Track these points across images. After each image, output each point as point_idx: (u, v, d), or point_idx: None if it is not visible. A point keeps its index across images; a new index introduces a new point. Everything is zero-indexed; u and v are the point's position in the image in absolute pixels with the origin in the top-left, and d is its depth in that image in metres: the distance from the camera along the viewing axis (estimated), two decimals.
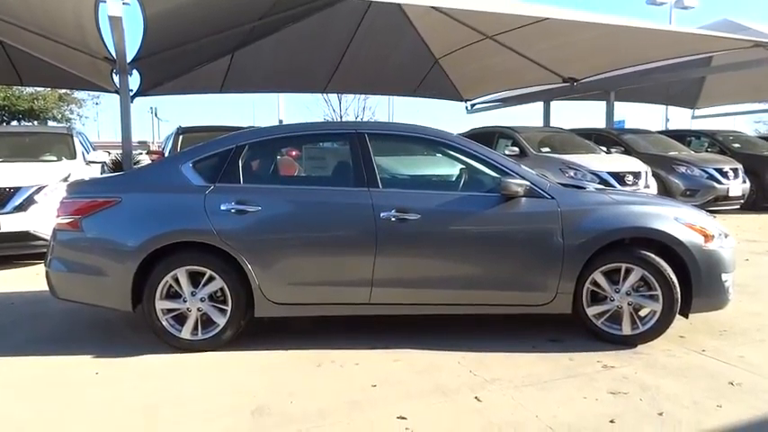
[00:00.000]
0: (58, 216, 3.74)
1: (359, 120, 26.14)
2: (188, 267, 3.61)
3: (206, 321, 3.67)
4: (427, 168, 4.78)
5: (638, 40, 11.20)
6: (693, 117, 21.19)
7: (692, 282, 3.62)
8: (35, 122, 20.81)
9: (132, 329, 4.08)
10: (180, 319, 3.67)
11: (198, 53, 12.03)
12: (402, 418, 2.75)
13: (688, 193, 9.64)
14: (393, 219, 3.58)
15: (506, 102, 16.68)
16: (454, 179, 3.96)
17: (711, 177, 9.68)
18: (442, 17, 12.00)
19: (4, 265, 6.48)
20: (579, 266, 3.63)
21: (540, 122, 16.20)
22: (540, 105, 16.35)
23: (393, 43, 13.89)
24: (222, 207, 3.60)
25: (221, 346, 3.66)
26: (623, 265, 3.65)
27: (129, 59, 9.64)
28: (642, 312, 3.72)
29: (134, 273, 3.58)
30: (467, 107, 18.00)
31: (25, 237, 6.21)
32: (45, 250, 6.21)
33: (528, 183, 3.65)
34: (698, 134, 12.78)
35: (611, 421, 2.72)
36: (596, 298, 3.75)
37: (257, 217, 3.59)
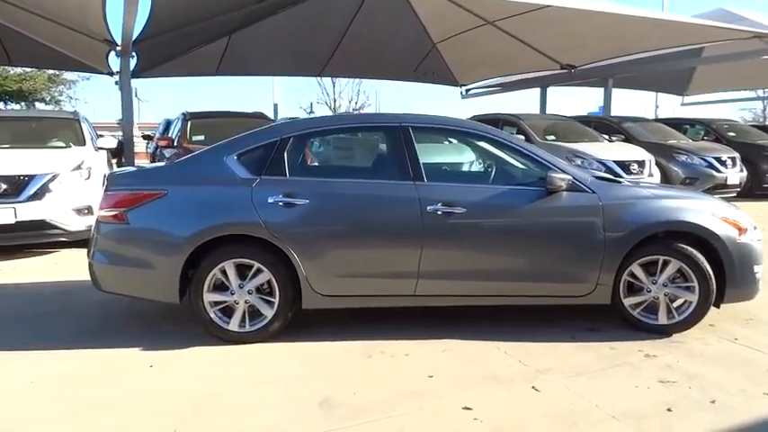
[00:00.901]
0: (101, 208, 3.72)
1: (353, 104, 26.09)
2: (236, 260, 3.64)
3: (253, 313, 3.71)
4: (440, 156, 4.83)
5: (639, 29, 11.29)
6: (683, 104, 21.45)
7: (725, 273, 3.74)
8: (23, 104, 20.36)
9: (171, 321, 4.09)
10: (227, 311, 3.70)
11: (196, 35, 11.89)
12: (467, 409, 2.83)
13: (688, 181, 9.83)
14: (439, 212, 3.64)
15: (503, 87, 16.71)
16: (496, 172, 4.02)
17: (710, 166, 9.87)
18: (443, 1, 11.97)
19: (17, 254, 6.41)
20: (619, 259, 3.73)
21: (532, 109, 16.33)
22: (529, 92, 16.46)
23: (392, 27, 13.82)
24: (270, 200, 3.62)
25: (268, 337, 3.71)
26: (661, 258, 3.76)
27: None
28: (677, 303, 3.84)
29: (182, 265, 3.60)
30: (462, 92, 18.01)
31: (41, 226, 6.14)
32: (62, 239, 6.29)
33: (570, 177, 3.72)
34: (693, 122, 12.98)
35: (669, 410, 2.83)
36: (632, 289, 3.86)
37: (305, 210, 3.62)
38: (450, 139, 4.07)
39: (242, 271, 3.66)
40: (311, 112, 24.99)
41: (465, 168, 3.92)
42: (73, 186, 6.34)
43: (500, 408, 2.85)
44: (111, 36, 9.69)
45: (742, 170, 10.20)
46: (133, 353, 3.58)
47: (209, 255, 3.61)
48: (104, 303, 4.58)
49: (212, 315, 3.68)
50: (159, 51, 11.38)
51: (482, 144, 3.99)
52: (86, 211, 6.37)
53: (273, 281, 3.65)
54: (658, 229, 3.72)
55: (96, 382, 3.18)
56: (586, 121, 11.62)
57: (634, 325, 3.86)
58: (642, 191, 3.88)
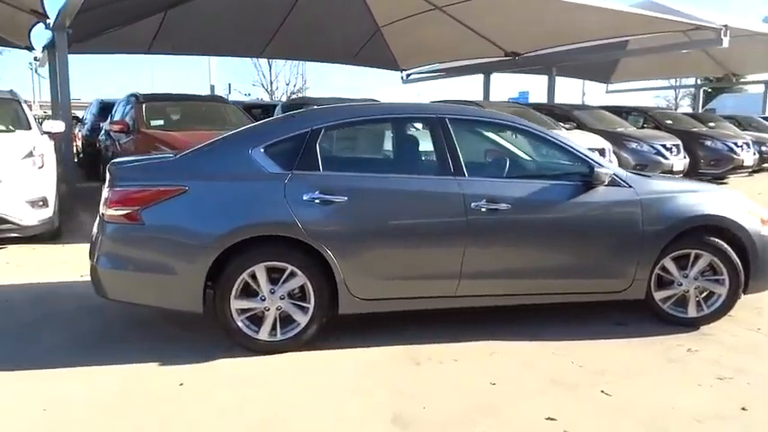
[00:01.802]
0: (110, 206, 3.26)
1: (291, 87, 25.21)
2: (267, 263, 3.31)
3: (284, 320, 3.40)
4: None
5: (583, 18, 11.55)
6: (607, 92, 22.42)
7: (750, 265, 3.82)
8: None
9: (178, 330, 3.69)
10: (254, 318, 3.37)
11: (129, 10, 11.01)
12: (551, 419, 2.71)
13: (638, 167, 10.20)
14: (483, 209, 3.47)
15: (446, 73, 16.72)
16: (535, 167, 3.90)
17: (659, 153, 10.30)
18: None
19: None
20: (656, 253, 3.72)
21: (473, 95, 16.47)
22: (469, 78, 16.58)
23: (337, 9, 13.42)
24: (305, 197, 3.30)
25: (301, 345, 3.41)
26: (693, 251, 3.78)
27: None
28: (704, 295, 3.88)
29: (207, 270, 3.23)
30: (402, 77, 17.89)
31: None
32: (13, 235, 5.59)
33: (612, 171, 3.66)
34: (631, 110, 13.52)
35: (743, 408, 2.83)
36: (661, 282, 3.87)
37: (343, 207, 3.33)
38: (486, 132, 3.88)
39: (271, 275, 3.34)
40: (248, 94, 24.08)
41: (503, 163, 3.76)
42: (25, 176, 5.64)
43: (585, 416, 2.74)
44: (44, 7, 8.75)
45: (685, 157, 10.72)
46: (153, 369, 3.18)
47: (237, 258, 3.26)
48: (92, 310, 4.10)
49: (240, 324, 3.33)
50: (88, 26, 10.43)
51: (520, 137, 3.85)
52: (41, 204, 5.71)
53: (308, 285, 3.35)
54: (694, 224, 3.73)
55: (129, 408, 2.78)
56: (536, 108, 11.78)
57: (663, 318, 3.88)
58: (674, 185, 3.89)
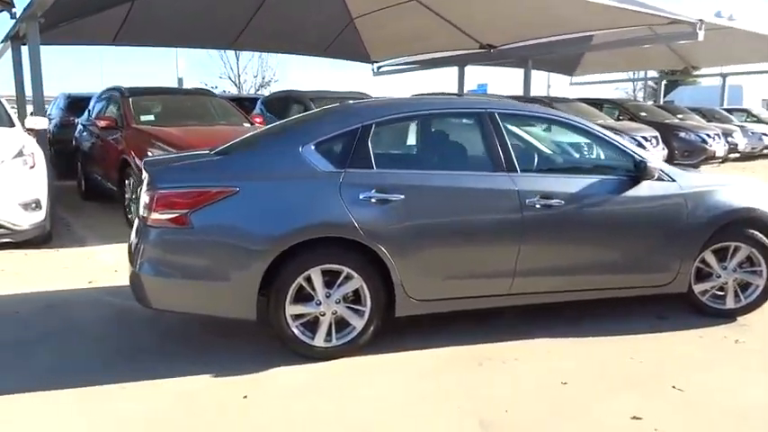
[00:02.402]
0: (154, 210, 3.04)
1: (260, 80, 24.63)
2: (324, 266, 3.16)
3: (339, 325, 3.26)
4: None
5: (560, 10, 11.66)
6: (571, 84, 22.81)
7: None
8: None
9: (226, 339, 3.50)
10: (308, 324, 3.22)
11: None
12: (637, 419, 2.67)
13: None
14: (537, 205, 3.41)
15: (418, 65, 16.64)
16: (584, 162, 3.86)
17: (640, 145, 10.49)
18: None
19: None
20: (699, 246, 3.74)
21: (447, 87, 16.45)
22: (440, 71, 16.55)
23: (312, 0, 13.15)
24: (361, 196, 3.17)
25: (357, 350, 3.29)
26: (733, 244, 3.83)
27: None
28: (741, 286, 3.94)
29: (262, 275, 3.06)
30: (373, 69, 17.71)
31: None
32: (6, 240, 5.23)
33: (659, 166, 3.66)
34: (605, 102, 13.77)
35: None
36: (700, 275, 3.91)
37: (400, 206, 3.21)
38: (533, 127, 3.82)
39: (326, 278, 3.20)
40: (214, 87, 23.27)
41: (552, 158, 3.72)
42: (16, 177, 5.27)
43: (668, 413, 2.72)
44: None
45: (664, 148, 10.99)
46: (207, 382, 3.00)
47: (291, 262, 3.10)
48: (114, 319, 3.89)
49: (295, 330, 3.18)
50: (54, 16, 9.87)
51: (566, 132, 3.80)
52: (34, 206, 5.36)
53: (364, 287, 3.22)
54: (735, 216, 3.77)
55: (196, 426, 2.61)
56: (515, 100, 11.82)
57: (701, 310, 3.93)
58: (712, 178, 3.92)
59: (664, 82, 22.25)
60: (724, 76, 20.50)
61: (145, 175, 3.28)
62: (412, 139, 3.80)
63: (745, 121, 16.53)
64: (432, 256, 3.30)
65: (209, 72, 35.88)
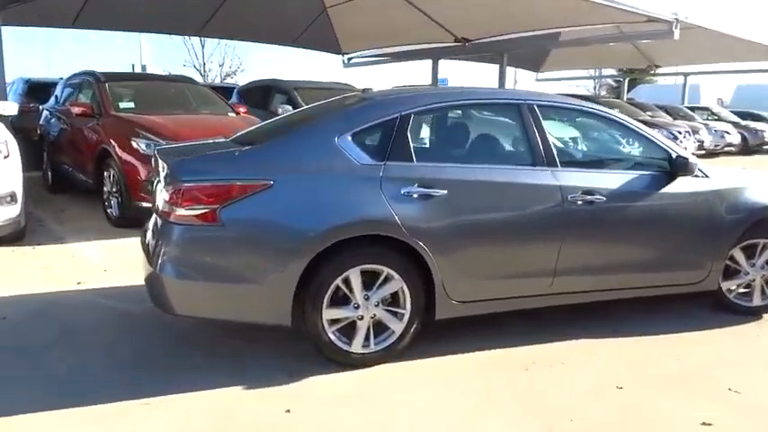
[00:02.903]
0: (179, 204, 2.75)
1: (226, 68, 23.85)
2: (363, 266, 2.93)
3: (377, 329, 3.04)
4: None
5: (537, 5, 11.66)
6: (537, 80, 23.01)
7: None
8: None
9: (252, 344, 3.23)
10: (344, 329, 2.99)
11: None
12: (707, 425, 2.56)
13: None
14: (579, 201, 3.27)
15: (391, 57, 16.40)
16: (621, 157, 3.74)
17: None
18: None
19: None
20: (731, 244, 3.69)
21: (415, 80, 16.28)
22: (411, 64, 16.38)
23: None
24: (402, 191, 2.95)
25: (395, 356, 3.08)
26: (762, 241, 3.79)
27: None
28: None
29: (299, 277, 2.81)
30: (344, 61, 17.38)
31: None
32: None
33: (698, 162, 3.57)
34: (579, 98, 13.85)
35: None
36: (727, 272, 3.85)
37: (443, 202, 3.01)
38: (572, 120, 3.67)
39: (364, 279, 2.97)
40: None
41: (590, 153, 3.58)
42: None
43: (734, 418, 2.62)
44: None
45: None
46: (240, 394, 2.74)
47: (330, 261, 2.86)
48: (116, 324, 3.57)
49: (331, 336, 2.94)
50: None
51: (612, 128, 3.68)
52: (9, 200, 4.91)
53: (405, 289, 3.01)
54: (766, 214, 3.72)
55: None
56: None
57: (727, 307, 3.88)
58: (742, 174, 3.87)
59: (627, 80, 22.69)
60: (686, 75, 21.04)
61: (163, 166, 2.97)
62: (452, 131, 3.59)
63: (707, 119, 17.00)
64: (474, 255, 3.11)
65: (172, 60, 34.53)
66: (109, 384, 2.79)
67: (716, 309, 3.90)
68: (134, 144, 5.72)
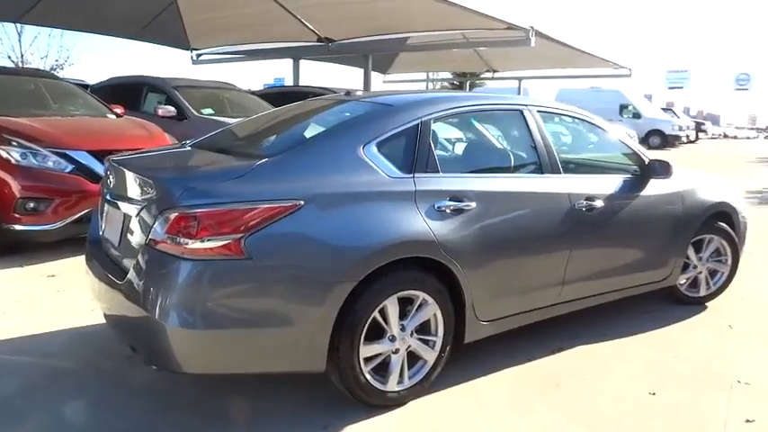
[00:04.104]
0: (195, 235, 2.17)
1: (53, 61, 20.66)
2: (400, 293, 2.58)
3: (409, 362, 2.71)
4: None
5: (405, 7, 11.82)
6: (384, 82, 23.49)
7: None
8: None
9: (260, 401, 2.70)
10: (378, 366, 2.62)
11: None
12: (750, 421, 2.64)
13: None
14: (583, 208, 3.23)
15: (247, 55, 15.55)
16: (605, 163, 3.75)
17: None
18: None
19: None
20: (689, 240, 3.93)
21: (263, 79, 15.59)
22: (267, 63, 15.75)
23: None
24: (436, 206, 2.66)
25: (426, 389, 2.77)
26: (707, 236, 4.10)
27: None
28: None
29: (338, 313, 2.39)
30: (192, 57, 16.14)
31: None
32: None
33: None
34: None
35: None
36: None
37: (473, 216, 2.77)
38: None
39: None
40: None
41: (581, 158, 3.55)
42: None
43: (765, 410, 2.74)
44: None
45: None
46: None
47: (367, 291, 2.47)
48: (52, 390, 2.77)
49: (368, 376, 2.56)
50: None
51: (588, 130, 3.67)
52: None
53: (438, 314, 2.72)
54: (713, 210, 4.02)
55: None
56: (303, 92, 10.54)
57: (679, 300, 4.14)
58: (692, 174, 4.12)
59: (468, 82, 24.08)
60: (520, 79, 22.90)
61: (149, 185, 2.34)
62: (471, 138, 3.34)
63: None
64: (500, 270, 2.92)
65: None
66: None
67: (665, 303, 4.13)
68: (3, 153, 4.62)
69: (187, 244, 2.18)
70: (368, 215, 2.49)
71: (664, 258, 3.79)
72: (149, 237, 2.28)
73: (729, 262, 4.18)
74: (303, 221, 2.33)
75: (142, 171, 2.43)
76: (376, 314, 2.52)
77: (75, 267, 4.65)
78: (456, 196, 2.72)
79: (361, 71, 16.98)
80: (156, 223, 2.25)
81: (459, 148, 3.09)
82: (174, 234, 2.20)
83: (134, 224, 2.42)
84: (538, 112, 3.27)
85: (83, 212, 4.66)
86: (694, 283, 4.17)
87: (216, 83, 8.69)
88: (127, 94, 7.72)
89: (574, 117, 3.59)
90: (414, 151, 2.72)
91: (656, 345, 3.48)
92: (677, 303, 4.13)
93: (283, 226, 2.29)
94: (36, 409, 2.56)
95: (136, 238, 2.40)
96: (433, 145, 2.79)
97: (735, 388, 2.95)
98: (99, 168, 4.74)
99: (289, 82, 15.14)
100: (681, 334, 3.68)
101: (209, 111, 7.48)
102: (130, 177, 2.49)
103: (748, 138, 47.80)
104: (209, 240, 2.18)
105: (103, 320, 3.43)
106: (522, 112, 3.22)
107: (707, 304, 4.19)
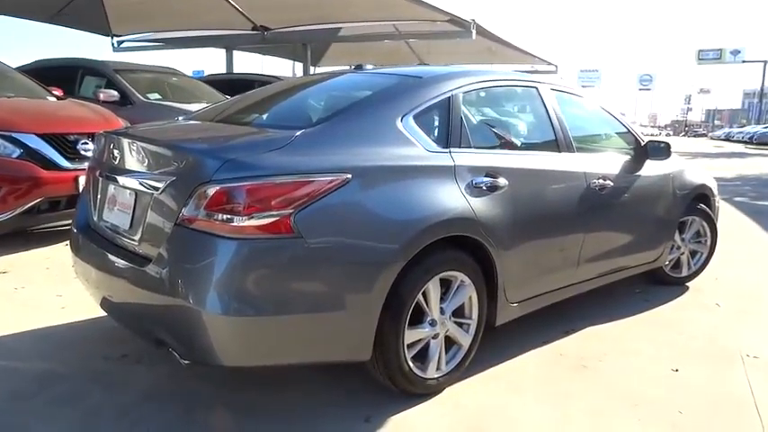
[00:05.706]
0: (242, 212, 1.92)
1: None
2: (443, 274, 2.44)
3: (446, 346, 2.57)
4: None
5: None
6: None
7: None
8: None
9: (293, 396, 2.46)
10: (418, 353, 2.46)
11: None
12: None
13: None
14: (597, 187, 3.22)
15: (173, 43, 14.77)
16: (608, 142, 3.74)
17: None
18: None
19: None
20: (677, 222, 4.02)
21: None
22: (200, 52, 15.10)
23: None
24: (474, 182, 2.53)
25: (460, 376, 2.64)
26: (689, 218, 4.22)
27: None
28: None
29: (386, 295, 2.21)
30: (113, 44, 15.16)
31: None
32: None
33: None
34: None
35: None
36: None
37: (507, 193, 2.66)
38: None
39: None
40: None
41: (587, 137, 3.51)
42: None
43: None
44: None
45: None
46: None
47: (413, 272, 2.30)
48: (48, 397, 2.43)
49: (410, 363, 2.39)
50: None
51: (591, 112, 3.66)
52: None
53: (474, 296, 2.60)
54: (696, 192, 4.14)
55: None
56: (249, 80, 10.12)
57: (662, 281, 4.24)
58: (675, 157, 4.22)
59: None
60: None
61: (176, 158, 2.06)
62: (494, 113, 3.21)
63: None
64: (530, 249, 2.83)
65: None
66: None
67: (645, 284, 4.22)
68: None
69: (232, 221, 1.93)
70: (413, 191, 2.32)
71: (658, 239, 3.86)
72: (180, 215, 2.01)
73: (708, 243, 4.33)
74: (352, 196, 2.13)
75: (165, 143, 2.14)
76: (420, 297, 2.36)
77: (27, 262, 4.17)
78: (490, 173, 2.61)
79: (290, 63, 16.56)
80: (191, 200, 1.98)
81: (486, 124, 2.97)
82: (215, 211, 1.94)
83: (155, 203, 2.12)
84: (551, 90, 3.22)
85: (34, 202, 4.17)
86: (677, 264, 4.28)
87: (159, 67, 8.12)
88: (59, 77, 7.04)
89: (574, 94, 3.56)
90: (447, 125, 2.58)
91: (657, 324, 3.52)
92: (659, 284, 4.23)
93: (333, 201, 2.08)
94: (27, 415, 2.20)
95: (159, 217, 2.10)
96: (464, 119, 2.66)
97: (749, 363, 3.02)
98: (52, 154, 4.27)
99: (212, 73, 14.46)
100: (675, 313, 3.75)
101: (156, 96, 6.97)
102: (148, 151, 2.18)
103: (652, 135, 51.29)
104: (256, 217, 1.94)
105: (87, 317, 3.09)
106: (538, 89, 3.16)
107: (688, 284, 4.32)
